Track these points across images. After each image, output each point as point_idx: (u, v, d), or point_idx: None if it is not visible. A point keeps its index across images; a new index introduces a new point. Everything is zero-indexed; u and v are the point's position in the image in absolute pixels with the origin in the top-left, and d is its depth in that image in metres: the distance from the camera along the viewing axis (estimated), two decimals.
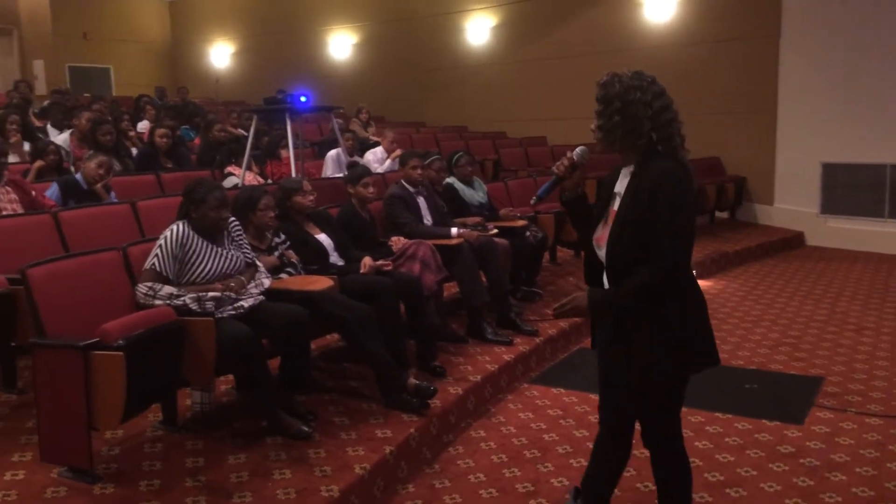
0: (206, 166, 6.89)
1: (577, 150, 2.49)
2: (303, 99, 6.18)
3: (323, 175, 7.16)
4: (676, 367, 2.40)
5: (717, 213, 9.95)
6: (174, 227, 3.44)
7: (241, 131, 8.25)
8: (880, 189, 8.94)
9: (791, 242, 9.37)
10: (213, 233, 3.52)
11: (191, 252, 3.42)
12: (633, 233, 2.30)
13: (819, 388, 4.48)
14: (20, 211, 4.59)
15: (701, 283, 2.57)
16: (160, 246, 3.37)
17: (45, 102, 10.65)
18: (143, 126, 9.40)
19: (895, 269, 7.96)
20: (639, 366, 2.39)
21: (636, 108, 2.28)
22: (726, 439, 3.78)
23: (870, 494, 3.22)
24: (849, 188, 9.22)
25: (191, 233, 3.44)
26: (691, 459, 3.50)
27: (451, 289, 5.40)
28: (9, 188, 4.66)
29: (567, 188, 2.54)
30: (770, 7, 9.70)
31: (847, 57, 9.03)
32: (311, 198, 4.34)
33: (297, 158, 6.46)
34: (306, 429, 3.43)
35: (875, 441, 3.74)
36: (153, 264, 3.35)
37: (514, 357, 4.71)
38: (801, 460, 3.55)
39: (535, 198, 2.56)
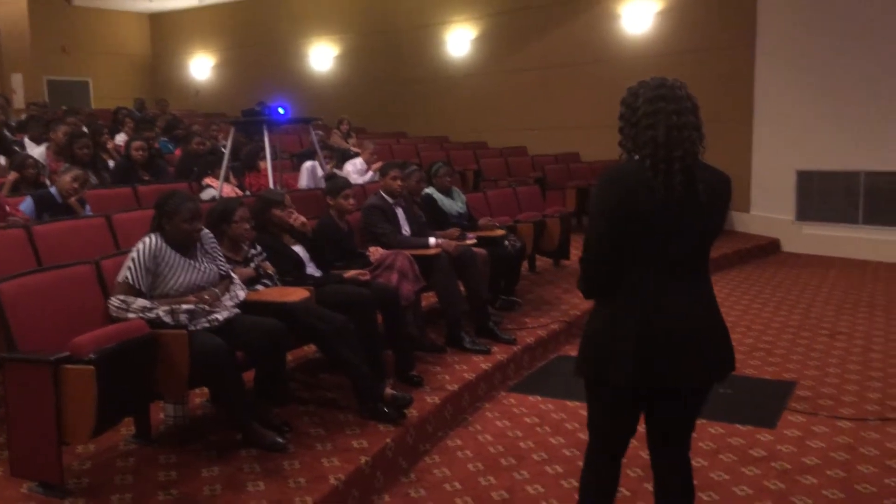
0: (184, 178, 6.88)
1: None
2: (280, 111, 6.20)
3: (298, 187, 7.16)
4: (584, 370, 2.40)
5: None
6: (146, 239, 3.43)
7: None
8: (854, 195, 9.05)
9: (767, 249, 9.46)
10: (186, 245, 3.51)
11: (164, 265, 3.41)
12: None
13: (791, 392, 4.53)
14: None
15: None
16: (133, 259, 3.37)
17: (23, 116, 10.60)
18: (122, 139, 9.37)
19: (868, 274, 8.07)
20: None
21: (627, 112, 2.30)
22: (700, 444, 3.81)
23: (840, 496, 3.26)
24: (823, 195, 9.34)
25: (164, 245, 3.44)
26: None
27: (429, 298, 5.42)
28: None
29: None
30: (745, 18, 9.84)
31: (821, 67, 9.17)
32: (291, 214, 4.35)
33: (275, 170, 6.46)
34: (281, 440, 3.43)
35: (846, 444, 3.79)
36: (126, 277, 3.34)
37: (492, 366, 4.73)
38: (773, 464, 3.59)
39: None
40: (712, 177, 2.29)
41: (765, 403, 4.37)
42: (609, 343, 2.30)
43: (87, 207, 5.17)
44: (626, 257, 2.27)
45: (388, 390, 3.86)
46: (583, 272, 2.37)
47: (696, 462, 3.60)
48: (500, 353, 4.90)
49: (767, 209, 9.94)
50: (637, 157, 2.26)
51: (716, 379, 2.37)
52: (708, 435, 3.92)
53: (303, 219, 4.50)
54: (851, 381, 4.72)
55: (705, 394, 2.43)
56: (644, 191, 2.20)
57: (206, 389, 3.83)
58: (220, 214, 3.92)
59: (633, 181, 2.22)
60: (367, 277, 4.37)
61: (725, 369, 2.38)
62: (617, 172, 2.28)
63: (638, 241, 2.24)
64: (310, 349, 4.64)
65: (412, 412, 3.86)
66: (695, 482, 3.39)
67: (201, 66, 16.41)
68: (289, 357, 4.54)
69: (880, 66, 8.71)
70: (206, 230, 3.68)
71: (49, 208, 5.03)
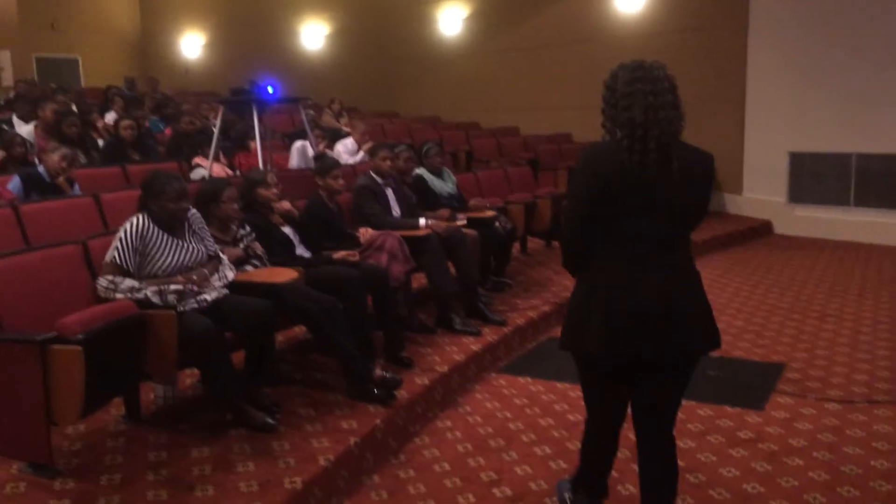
0: (174, 157, 6.84)
1: None
2: (269, 90, 6.14)
3: (288, 166, 7.12)
4: (562, 342, 2.51)
5: None
6: (133, 219, 3.41)
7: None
8: (846, 177, 9.07)
9: (759, 231, 9.48)
10: (173, 225, 3.49)
11: (151, 245, 3.39)
12: None
13: (780, 374, 4.55)
14: None
15: None
16: (120, 238, 3.34)
17: (11, 94, 10.49)
18: (112, 118, 9.29)
19: (860, 256, 8.10)
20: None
21: (607, 95, 2.41)
22: (688, 426, 3.83)
23: (826, 478, 3.29)
24: (815, 177, 9.34)
25: (151, 225, 3.41)
26: None
27: (420, 279, 5.41)
28: None
29: None
30: None
31: (813, 47, 9.14)
32: (275, 191, 4.31)
33: (266, 149, 6.42)
34: (271, 421, 3.43)
35: (833, 426, 3.82)
36: (113, 257, 3.32)
37: (482, 347, 4.74)
38: (760, 445, 3.61)
39: None
40: (690, 155, 2.36)
41: (753, 385, 4.39)
42: (585, 317, 2.40)
43: (76, 187, 5.13)
44: (603, 234, 2.36)
45: (378, 371, 3.87)
46: (562, 249, 2.51)
47: (684, 443, 3.63)
48: (490, 335, 4.90)
49: (760, 191, 9.94)
50: (617, 136, 2.35)
51: (697, 355, 2.43)
52: (696, 416, 3.94)
53: (287, 205, 4.47)
54: (840, 363, 4.75)
55: (687, 372, 2.47)
56: (620, 170, 2.30)
57: (196, 370, 3.82)
58: (209, 195, 3.89)
59: (610, 160, 2.31)
60: (357, 258, 4.35)
61: (706, 346, 2.43)
62: (594, 152, 2.38)
63: (614, 218, 2.34)
64: (300, 330, 4.63)
65: (402, 393, 3.87)
66: (682, 463, 3.43)
67: (192, 44, 16.25)
68: (279, 338, 4.54)
69: (873, 47, 8.68)
70: (194, 210, 3.65)
71: (37, 187, 5.00)
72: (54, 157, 5.10)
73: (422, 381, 4.11)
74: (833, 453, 3.52)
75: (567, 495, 2.92)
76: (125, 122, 6.78)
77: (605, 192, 2.31)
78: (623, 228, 2.34)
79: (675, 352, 2.39)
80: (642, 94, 2.30)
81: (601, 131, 2.48)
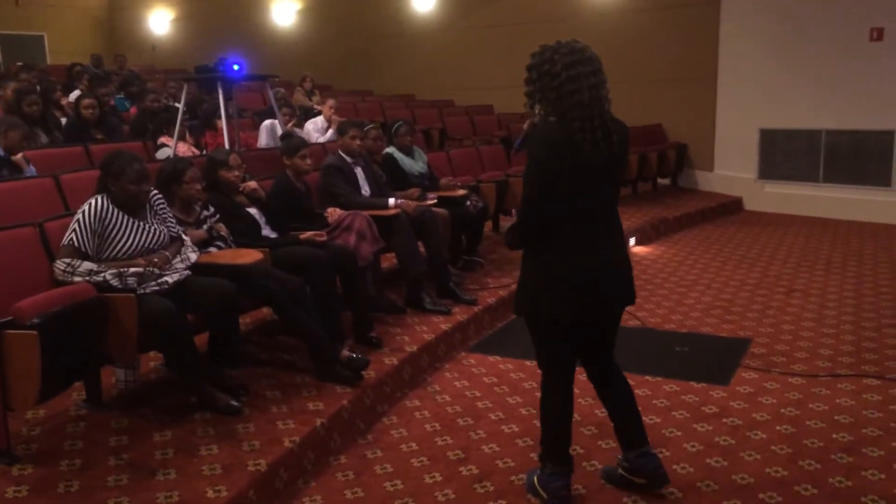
0: (139, 137, 6.71)
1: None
2: (235, 67, 6.02)
3: (258, 146, 7.03)
4: (521, 306, 2.75)
5: (660, 180, 10.08)
6: (92, 200, 3.33)
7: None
8: (815, 154, 9.15)
9: (730, 208, 9.55)
10: (133, 207, 3.42)
11: (111, 227, 3.32)
12: None
13: (746, 349, 4.60)
14: None
15: (640, 248, 2.71)
16: (78, 221, 3.27)
17: None
18: (77, 96, 9.10)
19: (827, 232, 8.20)
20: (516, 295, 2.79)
21: (545, 79, 2.52)
22: (654, 401, 3.86)
23: (788, 451, 3.33)
24: (785, 153, 9.42)
25: (110, 207, 3.34)
26: None
27: (391, 259, 5.39)
28: None
29: None
30: None
31: (784, 25, 9.17)
32: (238, 173, 4.23)
33: (231, 129, 6.31)
34: (235, 403, 3.40)
35: (796, 400, 3.86)
36: (71, 240, 3.25)
37: (452, 326, 4.73)
38: (724, 420, 3.64)
39: (514, 148, 2.91)
40: (619, 127, 2.58)
41: (719, 361, 4.43)
42: (547, 284, 2.61)
43: (32, 167, 5.02)
44: (561, 208, 2.54)
45: (345, 352, 3.84)
46: (520, 225, 2.65)
47: (650, 419, 3.65)
48: (460, 314, 4.89)
49: (731, 168, 10.00)
50: (554, 118, 2.52)
51: (628, 304, 2.80)
52: (662, 392, 3.97)
53: (253, 185, 4.41)
54: (805, 338, 4.80)
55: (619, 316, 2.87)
56: (574, 149, 2.47)
57: (159, 353, 3.77)
58: (170, 175, 3.82)
59: (564, 141, 2.48)
60: (324, 238, 4.31)
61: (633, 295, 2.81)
62: (547, 134, 2.52)
63: (571, 193, 2.52)
64: (267, 311, 4.59)
65: (370, 373, 3.85)
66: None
67: (160, 21, 15.93)
68: (247, 319, 4.51)
69: (843, 24, 8.72)
70: (156, 191, 3.58)
71: None
72: (14, 136, 4.97)
73: (390, 361, 4.10)
74: (795, 427, 3.56)
75: (535, 477, 2.94)
76: (86, 101, 6.63)
77: (562, 171, 2.49)
78: (578, 201, 2.54)
79: (621, 306, 2.79)
80: (584, 75, 2.46)
81: None
